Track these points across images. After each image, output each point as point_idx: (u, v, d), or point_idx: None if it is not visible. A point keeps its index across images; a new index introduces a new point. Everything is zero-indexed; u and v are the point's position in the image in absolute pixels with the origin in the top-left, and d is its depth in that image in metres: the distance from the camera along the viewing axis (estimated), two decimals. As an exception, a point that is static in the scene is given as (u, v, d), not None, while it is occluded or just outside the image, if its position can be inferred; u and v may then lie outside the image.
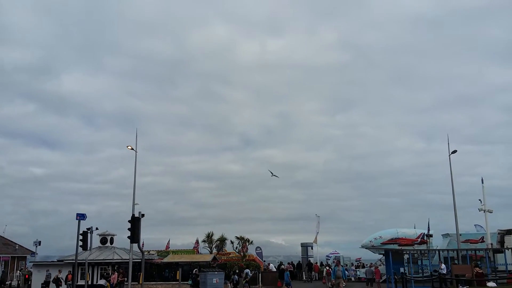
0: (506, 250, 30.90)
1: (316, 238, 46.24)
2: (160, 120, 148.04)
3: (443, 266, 30.54)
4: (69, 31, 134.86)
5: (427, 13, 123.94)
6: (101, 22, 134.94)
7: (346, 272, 33.17)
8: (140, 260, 29.20)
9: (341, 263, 42.02)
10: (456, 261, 30.14)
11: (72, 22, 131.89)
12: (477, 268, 23.36)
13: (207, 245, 45.14)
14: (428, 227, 38.85)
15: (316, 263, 43.88)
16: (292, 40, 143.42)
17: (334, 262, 42.35)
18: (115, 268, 33.90)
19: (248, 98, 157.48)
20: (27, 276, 34.71)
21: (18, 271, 40.16)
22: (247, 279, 32.60)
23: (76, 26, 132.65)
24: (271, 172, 34.03)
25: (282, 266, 38.85)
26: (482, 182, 36.35)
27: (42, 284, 33.28)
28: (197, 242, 47.69)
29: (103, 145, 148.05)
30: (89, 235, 28.23)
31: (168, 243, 51.07)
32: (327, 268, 38.71)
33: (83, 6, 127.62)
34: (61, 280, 32.92)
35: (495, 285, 23.14)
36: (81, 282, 32.31)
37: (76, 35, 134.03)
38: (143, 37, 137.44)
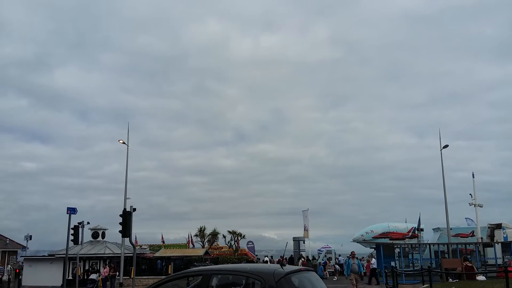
0: (496, 244, 31.22)
1: (307, 232, 46.33)
2: (153, 115, 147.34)
3: (373, 260, 30.61)
4: (64, 26, 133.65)
5: (419, 10, 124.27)
6: (96, 18, 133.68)
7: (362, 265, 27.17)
8: (131, 254, 29.14)
9: (333, 257, 42.28)
10: (446, 255, 30.38)
11: (67, 18, 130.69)
12: (467, 262, 23.49)
13: (199, 239, 45.15)
14: (419, 221, 39.13)
15: (308, 256, 44.05)
16: (285, 37, 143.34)
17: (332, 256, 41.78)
18: (107, 262, 33.83)
19: (242, 93, 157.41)
20: (17, 270, 34.54)
21: (9, 266, 39.95)
22: None
23: (70, 22, 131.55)
24: None
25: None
26: (473, 177, 36.59)
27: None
28: (190, 236, 47.80)
29: (96, 140, 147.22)
30: (80, 229, 28.13)
31: (162, 237, 51.20)
32: (303, 259, 38.66)
33: (78, 2, 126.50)
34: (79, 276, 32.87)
35: (485, 279, 23.34)
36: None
37: (71, 30, 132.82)
38: (138, 33, 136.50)
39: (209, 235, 44.61)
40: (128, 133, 35.37)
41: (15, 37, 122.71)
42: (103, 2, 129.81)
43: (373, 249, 39.01)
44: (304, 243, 46.98)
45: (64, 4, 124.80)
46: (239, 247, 43.28)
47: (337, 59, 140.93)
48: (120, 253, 33.47)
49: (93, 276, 31.29)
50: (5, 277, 35.69)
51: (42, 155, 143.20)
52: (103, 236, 38.75)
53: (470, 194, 36.27)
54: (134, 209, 24.93)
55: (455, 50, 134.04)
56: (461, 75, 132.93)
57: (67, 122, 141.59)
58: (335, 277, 37.28)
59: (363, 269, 30.45)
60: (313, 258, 44.90)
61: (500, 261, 29.27)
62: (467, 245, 31.87)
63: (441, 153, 34.28)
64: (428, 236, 42.11)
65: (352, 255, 22.48)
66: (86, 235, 34.10)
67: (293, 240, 46.66)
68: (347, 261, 23.24)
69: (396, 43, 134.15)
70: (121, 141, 34.66)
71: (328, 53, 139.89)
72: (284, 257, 44.80)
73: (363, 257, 45.06)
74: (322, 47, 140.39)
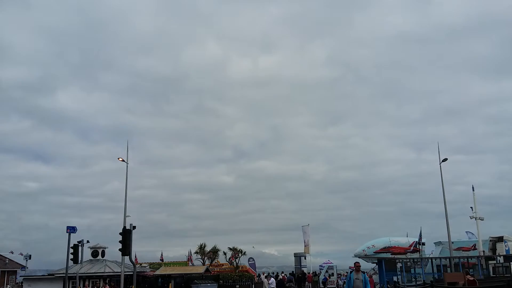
0: (498, 257, 31.09)
1: (308, 248, 46.01)
2: (154, 135, 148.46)
3: (271, 280, 29.53)
4: (67, 49, 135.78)
5: (413, 30, 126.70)
6: (98, 41, 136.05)
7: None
8: (132, 273, 28.92)
9: (335, 273, 41.79)
10: (448, 269, 30.22)
11: (70, 41, 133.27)
12: (469, 276, 23.36)
13: (199, 256, 44.79)
14: (420, 235, 38.95)
15: (309, 273, 43.70)
16: (283, 57, 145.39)
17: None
18: (107, 281, 33.57)
19: (241, 112, 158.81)
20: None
21: (8, 286, 39.65)
22: None
23: (73, 45, 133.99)
24: None
25: (280, 277, 38.52)
26: (473, 190, 36.54)
27: None
28: (190, 254, 47.49)
29: (97, 159, 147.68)
30: (80, 248, 27.98)
31: (162, 255, 50.75)
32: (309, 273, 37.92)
33: (80, 25, 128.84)
34: None
35: (487, 293, 23.17)
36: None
37: (74, 53, 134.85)
38: (139, 55, 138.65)
39: (209, 252, 44.23)
40: (127, 151, 35.33)
41: (20, 60, 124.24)
42: (105, 26, 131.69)
43: (375, 264, 38.77)
44: (305, 259, 46.65)
45: (68, 28, 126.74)
46: (235, 262, 42.91)
47: (334, 78, 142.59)
48: (120, 272, 33.21)
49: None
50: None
51: (43, 175, 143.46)
52: (103, 254, 38.47)
53: (471, 207, 36.22)
54: (134, 227, 24.85)
55: (450, 67, 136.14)
56: (457, 92, 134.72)
57: (69, 142, 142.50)
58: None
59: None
60: (315, 274, 44.57)
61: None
62: (469, 259, 31.72)
63: (440, 166, 34.27)
64: (429, 250, 41.87)
65: (357, 267, 16.10)
66: (86, 253, 33.88)
67: (294, 256, 46.33)
68: (348, 276, 16.91)
69: (391, 62, 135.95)
70: (120, 159, 34.60)
71: (326, 72, 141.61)
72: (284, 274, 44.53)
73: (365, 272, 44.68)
74: (319, 67, 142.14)
